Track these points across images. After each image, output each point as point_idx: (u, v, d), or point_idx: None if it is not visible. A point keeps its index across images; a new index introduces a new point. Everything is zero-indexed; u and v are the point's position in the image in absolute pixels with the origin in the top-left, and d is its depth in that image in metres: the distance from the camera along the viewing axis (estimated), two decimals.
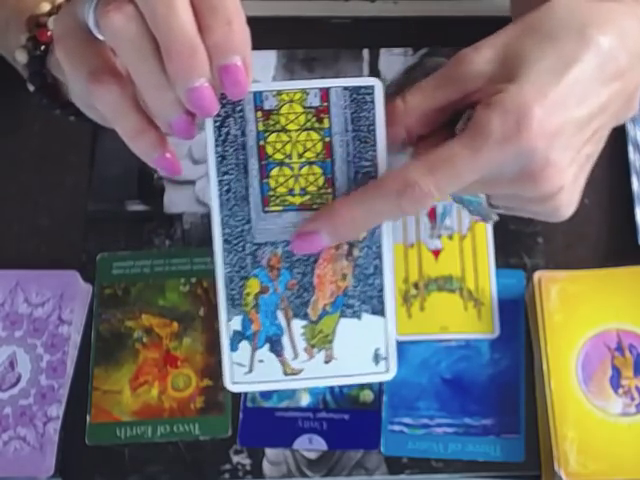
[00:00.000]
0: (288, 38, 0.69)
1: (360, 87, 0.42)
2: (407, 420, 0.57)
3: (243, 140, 0.42)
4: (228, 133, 0.42)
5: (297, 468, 0.57)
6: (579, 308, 0.57)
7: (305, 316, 0.45)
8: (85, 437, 0.57)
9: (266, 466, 0.57)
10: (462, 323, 0.59)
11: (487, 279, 0.61)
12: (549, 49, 0.41)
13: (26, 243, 0.64)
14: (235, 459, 0.57)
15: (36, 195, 0.65)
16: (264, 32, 0.69)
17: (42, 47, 0.53)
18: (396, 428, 0.57)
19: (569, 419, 0.54)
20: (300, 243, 0.43)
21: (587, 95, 0.41)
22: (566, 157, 0.41)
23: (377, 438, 0.57)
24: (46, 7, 0.54)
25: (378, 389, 0.58)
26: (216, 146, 0.42)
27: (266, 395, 0.58)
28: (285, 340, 0.45)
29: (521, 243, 0.62)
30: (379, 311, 0.45)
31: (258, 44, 0.68)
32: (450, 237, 0.62)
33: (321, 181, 0.43)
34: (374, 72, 0.68)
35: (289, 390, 0.58)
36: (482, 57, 0.42)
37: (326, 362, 0.45)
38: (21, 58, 0.54)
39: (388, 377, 0.45)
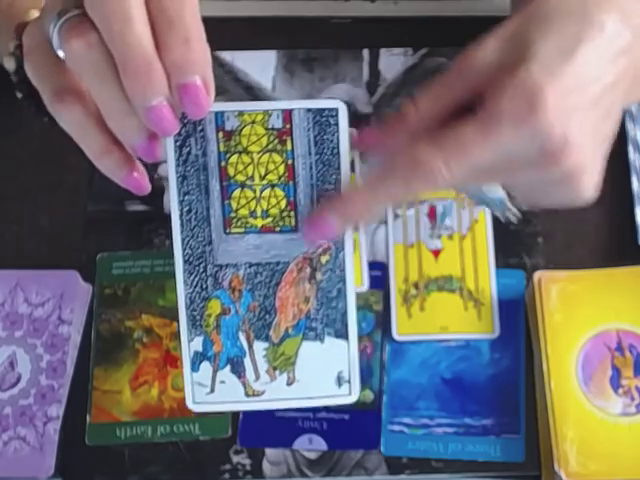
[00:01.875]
0: (288, 38, 0.69)
1: (324, 109, 0.42)
2: (407, 420, 0.57)
3: (204, 160, 0.42)
4: (189, 153, 0.42)
5: (297, 468, 0.57)
6: (579, 308, 0.57)
7: (267, 338, 0.44)
8: (85, 437, 0.57)
9: (266, 466, 0.57)
10: (462, 323, 0.59)
11: (487, 279, 0.61)
12: (553, 33, 0.41)
13: (26, 243, 0.64)
14: (235, 459, 0.57)
15: (36, 195, 0.65)
16: (264, 32, 0.70)
17: None
18: (396, 428, 0.57)
19: (569, 419, 0.54)
20: (311, 229, 0.42)
21: (597, 73, 0.41)
22: (584, 135, 0.41)
23: (377, 438, 0.57)
24: (35, 14, 0.53)
25: (378, 389, 0.58)
26: (177, 166, 0.42)
27: None
28: (247, 362, 0.45)
29: (521, 243, 0.62)
30: (342, 334, 0.44)
31: (258, 44, 0.69)
32: (450, 237, 0.62)
33: (283, 204, 0.43)
34: (374, 72, 0.68)
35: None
36: (487, 49, 0.42)
37: (288, 384, 0.45)
38: (9, 65, 0.53)
39: (351, 400, 0.45)
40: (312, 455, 0.57)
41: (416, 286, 0.61)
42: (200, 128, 0.42)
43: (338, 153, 0.43)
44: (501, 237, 0.62)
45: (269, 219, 0.43)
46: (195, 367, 0.44)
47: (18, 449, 0.56)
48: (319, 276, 0.44)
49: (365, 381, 0.58)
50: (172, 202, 0.43)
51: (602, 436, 0.54)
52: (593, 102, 0.41)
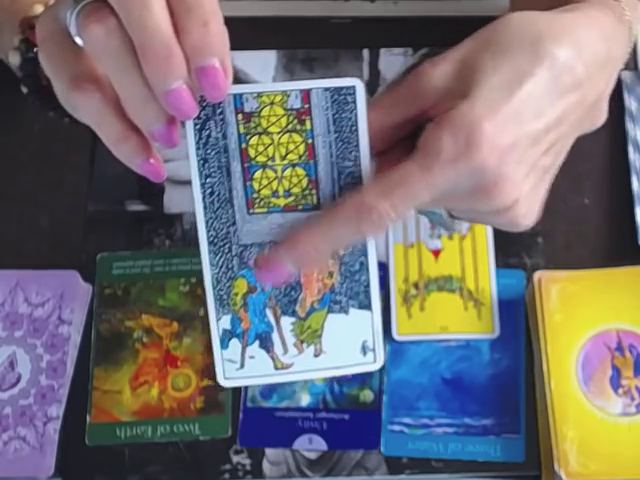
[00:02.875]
0: (288, 38, 0.69)
1: (341, 88, 0.42)
2: (407, 420, 0.57)
3: (224, 143, 0.42)
4: (209, 136, 0.42)
5: (297, 468, 0.57)
6: (579, 308, 0.57)
7: (293, 313, 0.45)
8: (85, 437, 0.58)
9: (266, 466, 0.57)
10: (462, 323, 0.60)
11: (487, 279, 0.61)
12: (503, 63, 0.41)
13: (26, 243, 0.64)
14: (235, 459, 0.57)
15: (36, 195, 0.65)
16: (264, 32, 0.70)
17: (35, 49, 0.53)
18: (396, 428, 0.57)
19: (569, 419, 0.54)
20: (264, 274, 0.43)
21: (542, 109, 0.41)
22: (520, 171, 0.42)
23: (377, 438, 0.57)
24: (39, 9, 0.53)
25: (378, 389, 0.58)
26: (197, 149, 0.42)
27: (266, 395, 0.58)
28: (275, 336, 0.45)
29: (521, 243, 0.62)
30: (366, 305, 0.45)
31: (258, 44, 0.69)
32: (450, 237, 0.62)
33: (305, 182, 0.43)
34: (374, 72, 0.68)
35: (289, 389, 0.58)
36: (438, 72, 0.43)
37: (315, 356, 0.46)
38: (14, 60, 0.53)
39: (376, 367, 0.46)
40: (312, 455, 0.57)
41: (416, 286, 0.61)
42: (219, 111, 0.42)
43: (357, 130, 0.43)
44: (501, 237, 0.62)
45: (291, 198, 0.44)
46: (224, 344, 0.45)
47: (18, 449, 0.56)
48: (341, 251, 0.44)
49: (365, 381, 0.58)
50: (194, 185, 0.43)
51: (602, 436, 0.54)
52: (533, 138, 0.41)
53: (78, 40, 0.40)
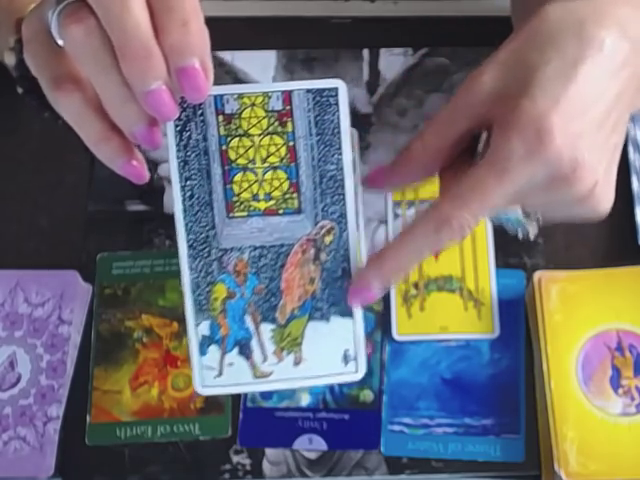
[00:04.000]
0: (288, 38, 0.69)
1: (323, 89, 0.42)
2: (407, 420, 0.57)
3: (205, 145, 0.42)
4: (190, 137, 0.42)
5: (297, 468, 0.57)
6: (579, 308, 0.57)
7: (273, 320, 0.45)
8: (85, 437, 0.57)
9: (266, 466, 0.57)
10: (462, 323, 0.59)
11: (487, 279, 0.61)
12: (553, 54, 0.41)
13: (26, 243, 0.64)
14: (235, 459, 0.57)
15: (36, 195, 0.65)
16: (264, 32, 0.70)
17: None
18: (396, 428, 0.57)
19: (569, 419, 0.54)
20: (356, 297, 0.43)
21: (600, 90, 0.41)
22: (594, 155, 0.42)
23: (377, 438, 0.57)
24: None
25: (378, 389, 0.58)
26: (178, 151, 0.42)
27: (266, 395, 0.58)
28: (254, 343, 0.45)
29: (521, 243, 0.62)
30: (348, 313, 0.45)
31: (258, 44, 0.69)
32: None
33: (286, 186, 0.43)
34: (374, 72, 0.68)
35: (289, 390, 0.58)
36: (487, 77, 0.42)
37: (295, 364, 0.45)
38: (10, 60, 0.53)
39: (357, 377, 0.45)
40: (312, 455, 0.57)
41: (416, 286, 0.61)
42: (200, 112, 0.41)
43: (339, 132, 0.42)
44: (501, 237, 0.62)
45: (272, 202, 0.43)
46: (203, 351, 0.44)
47: (18, 449, 0.56)
48: (323, 257, 0.44)
49: (365, 381, 0.58)
50: (174, 187, 0.42)
51: (602, 436, 0.54)
52: (599, 120, 0.42)
53: (60, 40, 0.40)
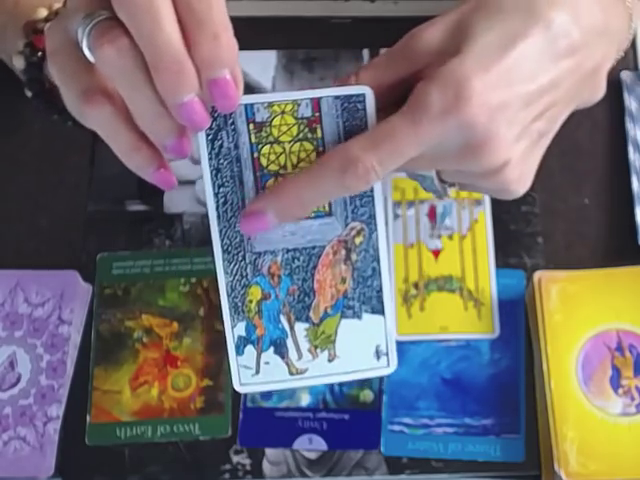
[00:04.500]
0: (288, 38, 0.69)
1: (351, 95, 0.42)
2: (407, 420, 0.57)
3: (237, 152, 0.43)
4: (221, 146, 0.42)
5: (297, 468, 0.57)
6: (579, 308, 0.57)
7: (307, 319, 0.46)
8: (85, 437, 0.57)
9: (266, 466, 0.57)
10: (462, 323, 0.59)
11: (487, 279, 0.61)
12: (497, 24, 0.41)
13: (26, 243, 0.64)
14: (235, 459, 0.57)
15: (36, 195, 0.65)
16: (264, 32, 0.70)
17: (39, 53, 0.53)
18: (396, 428, 0.57)
19: (569, 419, 0.54)
20: (247, 223, 0.43)
21: (535, 71, 0.41)
22: (511, 132, 0.41)
23: (377, 438, 0.57)
24: (43, 13, 0.53)
25: (378, 389, 0.58)
26: (210, 159, 0.43)
27: (266, 395, 0.58)
28: (289, 342, 0.46)
29: (521, 243, 0.62)
30: (379, 310, 0.46)
31: (258, 44, 0.69)
32: (450, 237, 0.62)
33: None
34: None
35: (289, 390, 0.58)
36: (432, 33, 0.43)
37: (329, 361, 0.46)
38: (18, 64, 0.53)
39: (389, 371, 0.47)
40: (312, 455, 0.57)
41: (416, 286, 0.61)
42: (231, 121, 0.42)
43: None
44: (501, 237, 0.62)
45: None
46: (240, 351, 0.46)
47: (18, 449, 0.56)
48: (354, 257, 0.45)
49: (365, 381, 0.58)
50: (207, 195, 0.43)
51: (602, 436, 0.54)
52: (526, 100, 0.41)
53: (88, 54, 0.40)
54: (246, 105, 0.42)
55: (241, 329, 0.46)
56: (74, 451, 0.57)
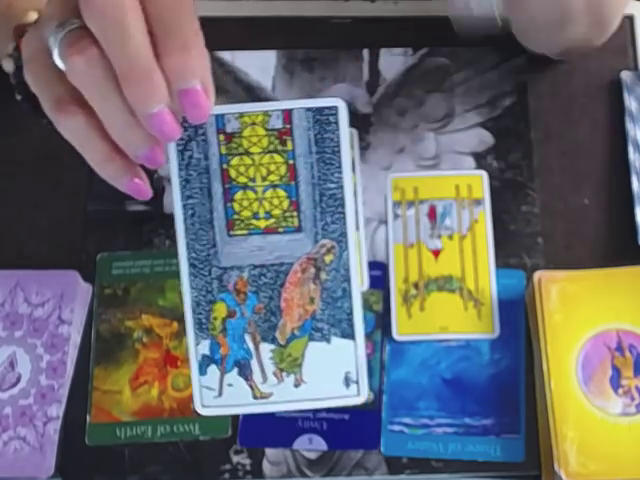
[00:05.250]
0: (288, 38, 0.69)
1: (323, 108, 0.42)
2: (407, 420, 0.57)
3: (206, 164, 0.42)
4: (191, 157, 0.42)
5: (297, 468, 0.57)
6: (579, 308, 0.57)
7: (273, 340, 0.44)
8: (85, 437, 0.57)
9: (266, 466, 0.57)
10: (462, 323, 0.59)
11: (487, 279, 0.61)
12: None
13: (26, 243, 0.64)
14: (235, 459, 0.57)
15: (36, 195, 0.65)
16: (264, 32, 0.70)
17: None
18: (396, 428, 0.57)
19: (569, 419, 0.54)
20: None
21: None
22: None
23: (377, 438, 0.57)
24: (33, 16, 0.53)
25: (378, 389, 0.58)
26: (179, 170, 0.42)
27: None
28: (254, 364, 0.44)
29: (521, 243, 0.62)
30: (349, 334, 0.44)
31: (258, 44, 0.69)
32: (450, 237, 0.62)
33: (286, 204, 0.43)
34: (374, 72, 0.68)
35: None
36: None
37: (295, 386, 0.44)
38: (8, 67, 0.53)
39: (359, 400, 0.44)
40: (312, 455, 0.57)
41: (416, 286, 0.61)
42: (201, 132, 0.42)
43: (339, 151, 0.42)
44: (501, 237, 0.62)
45: (272, 220, 0.43)
46: (202, 370, 0.44)
47: (18, 449, 0.56)
48: (323, 276, 0.44)
49: None
50: (175, 206, 0.43)
51: (602, 436, 0.54)
52: None
53: (60, 63, 0.39)
54: (217, 116, 0.42)
55: (205, 347, 0.44)
56: (74, 451, 0.57)
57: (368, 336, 0.60)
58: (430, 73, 0.68)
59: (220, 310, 0.44)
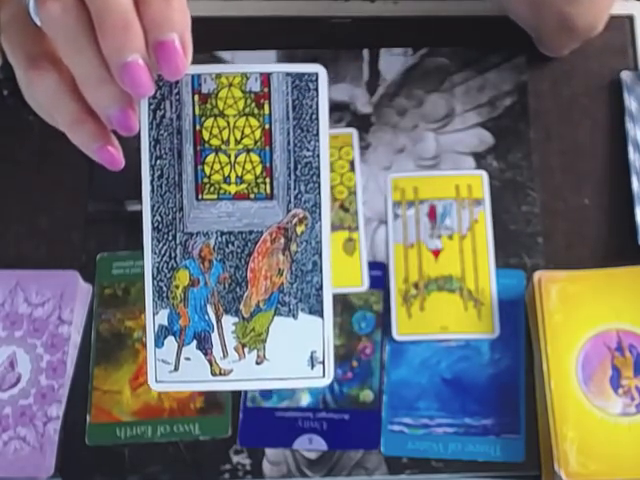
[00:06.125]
0: (288, 38, 0.69)
1: (303, 74, 0.41)
2: (407, 420, 0.57)
3: (179, 124, 0.41)
4: (163, 116, 0.40)
5: (297, 468, 0.57)
6: (579, 308, 0.57)
7: (237, 312, 0.42)
8: (85, 437, 0.57)
9: (266, 466, 0.57)
10: (462, 323, 0.59)
11: (487, 279, 0.61)
12: None
13: (26, 243, 0.64)
14: (235, 459, 0.57)
15: (36, 195, 0.65)
16: (264, 32, 0.70)
17: None
18: (396, 428, 0.57)
19: (569, 419, 0.54)
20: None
21: None
22: None
23: (377, 438, 0.57)
24: None
25: (378, 389, 0.58)
26: (150, 129, 0.40)
27: (266, 395, 0.58)
28: (214, 337, 0.42)
29: (521, 243, 0.62)
30: (317, 311, 0.42)
31: (258, 44, 0.69)
32: (450, 237, 0.62)
33: (259, 170, 0.41)
34: (374, 72, 0.68)
35: (289, 390, 0.58)
36: None
37: (257, 363, 0.42)
38: None
39: (324, 383, 0.42)
40: (312, 455, 0.57)
41: (416, 286, 0.61)
42: (176, 91, 0.40)
43: (317, 119, 0.41)
44: (501, 237, 0.62)
45: (243, 185, 0.42)
46: (159, 342, 0.42)
47: (18, 449, 0.56)
48: (294, 247, 0.42)
49: (365, 381, 0.58)
50: (143, 167, 0.41)
51: (602, 436, 0.54)
52: None
53: (35, 17, 0.39)
54: (193, 75, 0.40)
55: (163, 317, 0.41)
56: (74, 451, 0.57)
57: (368, 336, 0.60)
58: (430, 73, 0.68)
59: (182, 278, 0.42)
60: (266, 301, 0.42)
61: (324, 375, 0.42)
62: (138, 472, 0.57)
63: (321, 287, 0.42)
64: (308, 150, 0.41)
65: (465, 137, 0.66)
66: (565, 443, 0.54)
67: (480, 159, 0.65)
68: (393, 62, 0.68)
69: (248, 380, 0.42)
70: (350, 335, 0.60)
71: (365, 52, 0.69)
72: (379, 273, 0.61)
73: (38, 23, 0.39)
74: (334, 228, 0.62)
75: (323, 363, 0.42)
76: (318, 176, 0.41)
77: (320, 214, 0.42)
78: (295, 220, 0.42)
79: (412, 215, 0.63)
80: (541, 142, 0.65)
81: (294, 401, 0.58)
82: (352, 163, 0.65)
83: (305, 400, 0.58)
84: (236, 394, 0.58)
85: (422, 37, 0.69)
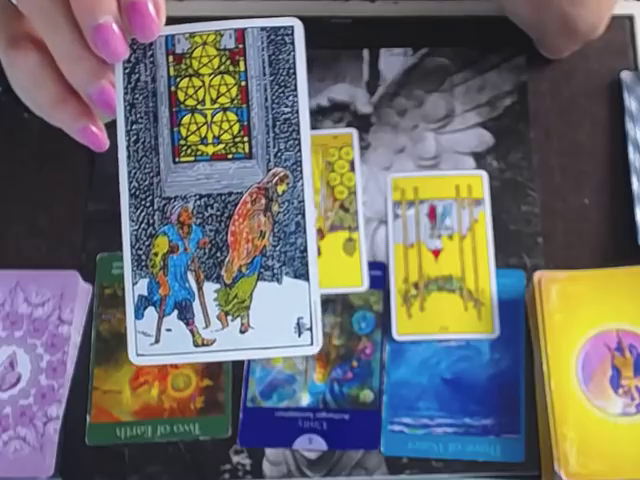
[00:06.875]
0: None
1: (279, 27, 0.40)
2: (407, 420, 0.57)
3: (153, 87, 0.40)
4: (138, 80, 0.40)
5: (297, 468, 0.57)
6: (579, 308, 0.57)
7: (218, 279, 0.40)
8: (85, 437, 0.58)
9: (266, 466, 0.57)
10: (462, 323, 0.59)
11: (487, 279, 0.61)
12: None
13: (26, 243, 0.64)
14: (235, 459, 0.57)
15: (36, 195, 0.65)
16: None
17: None
18: (396, 428, 0.57)
19: (569, 419, 0.54)
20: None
21: None
22: None
23: (377, 438, 0.57)
24: None
25: (378, 389, 0.58)
26: (125, 94, 0.40)
27: (266, 395, 0.58)
28: (196, 306, 0.40)
29: (521, 243, 0.62)
30: (302, 274, 0.40)
31: None
32: (450, 237, 0.62)
33: (236, 128, 0.40)
34: (374, 72, 0.68)
35: (289, 390, 0.58)
36: None
37: (242, 332, 0.40)
38: None
39: (312, 351, 0.40)
40: (312, 455, 0.57)
41: (416, 286, 0.61)
42: (150, 53, 0.40)
43: (295, 74, 0.40)
44: (501, 237, 0.62)
45: (221, 145, 0.40)
46: (139, 314, 0.41)
47: (18, 449, 0.56)
48: (275, 208, 0.40)
49: (365, 381, 0.58)
50: (119, 133, 0.40)
51: (602, 436, 0.54)
52: None
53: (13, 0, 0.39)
54: (167, 36, 0.40)
55: (143, 287, 0.40)
56: (74, 451, 0.57)
57: (368, 336, 0.60)
58: (430, 73, 0.68)
59: (161, 245, 0.40)
60: (248, 265, 0.40)
61: (312, 342, 0.40)
62: (138, 472, 0.57)
63: (305, 249, 0.40)
64: (286, 106, 0.40)
65: (465, 137, 0.66)
66: (565, 443, 0.54)
67: (480, 159, 0.65)
68: (393, 62, 0.68)
69: (233, 350, 0.40)
70: (350, 335, 0.60)
71: (365, 52, 0.69)
72: (379, 273, 0.61)
73: (14, 1, 0.39)
74: (334, 228, 0.62)
75: (311, 330, 0.40)
76: (298, 132, 0.40)
77: (302, 172, 0.40)
78: (276, 179, 0.40)
79: (412, 215, 0.63)
80: (541, 142, 0.65)
81: (294, 401, 0.58)
82: (352, 163, 0.65)
83: (305, 400, 0.58)
84: (236, 394, 0.58)
85: (422, 37, 0.69)
